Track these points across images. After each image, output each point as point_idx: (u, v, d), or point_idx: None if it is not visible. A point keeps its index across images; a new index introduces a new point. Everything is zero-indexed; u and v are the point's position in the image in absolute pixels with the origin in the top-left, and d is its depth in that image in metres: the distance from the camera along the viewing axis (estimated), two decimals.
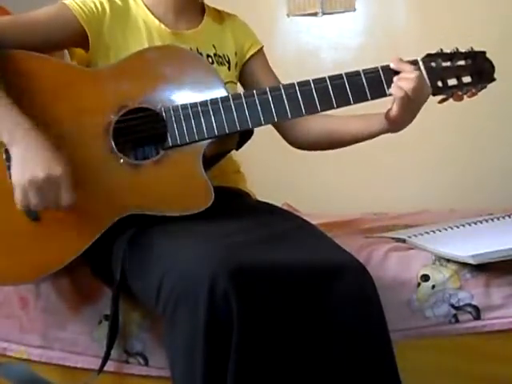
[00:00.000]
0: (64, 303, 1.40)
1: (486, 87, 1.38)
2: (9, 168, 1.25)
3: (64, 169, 1.20)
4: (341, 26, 2.81)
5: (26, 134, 1.21)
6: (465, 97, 1.38)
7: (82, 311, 1.40)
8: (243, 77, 1.58)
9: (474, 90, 1.37)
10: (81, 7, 1.39)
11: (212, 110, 1.31)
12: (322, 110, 1.34)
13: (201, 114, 1.31)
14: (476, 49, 1.38)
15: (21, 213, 1.26)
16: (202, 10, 1.56)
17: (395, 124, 1.37)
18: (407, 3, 2.77)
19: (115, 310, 1.29)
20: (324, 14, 2.81)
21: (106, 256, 1.31)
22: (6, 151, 1.27)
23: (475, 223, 1.63)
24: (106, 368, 1.32)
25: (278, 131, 1.60)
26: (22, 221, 1.27)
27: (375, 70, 1.34)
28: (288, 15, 2.86)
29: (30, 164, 1.19)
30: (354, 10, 2.79)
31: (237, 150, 1.47)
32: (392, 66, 1.34)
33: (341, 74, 1.33)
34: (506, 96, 2.49)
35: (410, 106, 1.32)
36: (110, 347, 1.31)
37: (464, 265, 1.41)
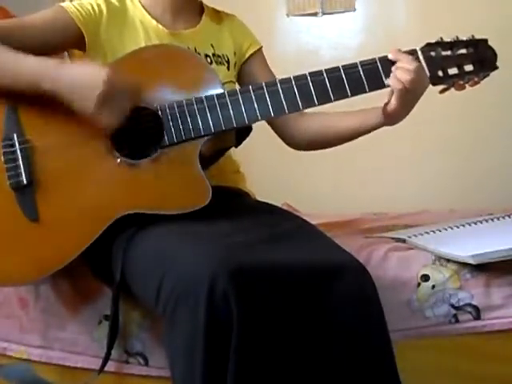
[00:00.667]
0: (64, 303, 1.40)
1: (488, 75, 1.36)
2: (10, 167, 1.26)
3: (107, 71, 1.23)
4: (341, 26, 2.81)
5: (56, 72, 1.25)
6: (467, 86, 1.37)
7: (82, 311, 1.40)
8: (242, 77, 1.58)
9: (476, 79, 1.35)
10: (78, 9, 1.40)
11: (208, 107, 1.31)
12: (319, 104, 1.33)
13: (197, 112, 1.31)
14: (477, 37, 1.37)
15: (19, 213, 1.26)
16: (201, 9, 1.56)
17: (392, 117, 1.36)
18: (407, 3, 2.77)
19: (115, 309, 1.29)
20: (324, 13, 2.81)
21: (106, 256, 1.31)
22: (5, 153, 1.27)
23: (475, 223, 1.63)
24: (106, 368, 1.32)
25: (276, 132, 1.60)
26: (21, 221, 1.27)
27: (373, 62, 1.33)
28: (288, 15, 2.86)
29: (85, 89, 1.23)
30: (354, 10, 2.79)
31: (236, 147, 1.47)
32: (390, 56, 1.33)
33: (338, 67, 1.33)
34: (507, 96, 2.49)
35: (408, 98, 1.31)
36: (110, 347, 1.31)
37: (464, 265, 1.41)
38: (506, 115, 2.62)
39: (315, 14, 2.82)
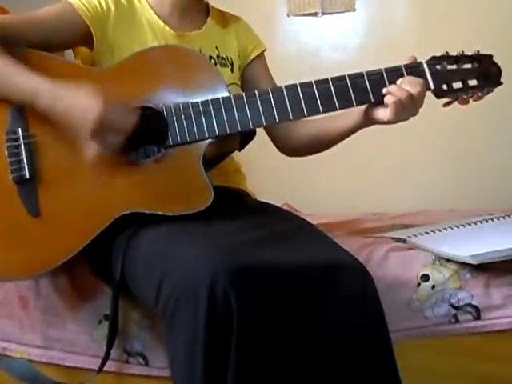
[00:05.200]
0: (64, 303, 1.40)
1: (492, 91, 1.37)
2: (13, 160, 1.27)
3: (101, 104, 1.21)
4: (341, 26, 2.81)
5: (52, 94, 1.24)
6: (470, 100, 1.37)
7: (82, 311, 1.40)
8: (244, 78, 1.58)
9: (479, 94, 1.36)
10: (85, 6, 1.39)
11: (213, 110, 1.31)
12: (324, 112, 1.33)
13: (202, 114, 1.31)
14: (482, 52, 1.37)
15: (21, 208, 1.26)
16: (207, 11, 1.56)
17: (373, 122, 1.36)
18: (407, 3, 2.77)
19: (115, 309, 1.29)
20: (324, 13, 2.81)
21: (106, 255, 1.32)
22: (9, 147, 1.28)
23: (475, 223, 1.63)
24: (106, 368, 1.32)
25: (273, 139, 1.60)
26: (22, 216, 1.27)
27: (378, 72, 1.34)
28: (288, 15, 2.86)
29: (81, 113, 1.21)
30: (354, 10, 2.78)
31: (239, 150, 1.47)
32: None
33: (344, 76, 1.33)
34: (507, 96, 2.49)
35: (402, 114, 1.31)
36: (109, 347, 1.31)
37: (464, 265, 1.41)
38: (506, 115, 2.62)
39: (315, 14, 2.82)
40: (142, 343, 1.38)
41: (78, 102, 1.23)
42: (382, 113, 1.33)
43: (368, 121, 1.38)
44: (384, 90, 1.32)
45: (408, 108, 1.30)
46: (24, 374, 1.36)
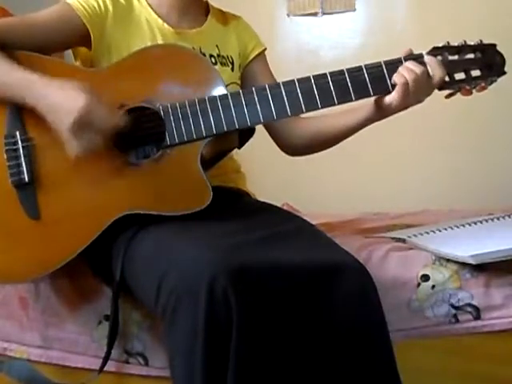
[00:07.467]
0: (64, 303, 1.40)
1: (496, 81, 1.36)
2: (12, 164, 1.27)
3: (85, 98, 1.21)
4: (341, 26, 2.82)
5: (40, 89, 1.24)
6: (474, 91, 1.36)
7: (82, 311, 1.40)
8: (244, 78, 1.57)
9: (483, 84, 1.35)
10: (84, 7, 1.39)
11: (210, 109, 1.31)
12: (322, 107, 1.32)
13: (199, 113, 1.31)
14: (485, 41, 1.36)
15: (21, 211, 1.27)
16: (206, 10, 1.56)
17: (385, 110, 1.35)
18: (407, 3, 2.77)
19: (115, 309, 1.29)
20: (324, 13, 2.81)
21: (107, 255, 1.32)
22: (7, 151, 1.28)
23: (475, 223, 1.63)
24: (106, 368, 1.32)
25: (273, 137, 1.59)
26: (22, 219, 1.27)
27: (377, 65, 1.33)
28: (288, 15, 2.86)
29: (63, 111, 1.21)
30: (354, 10, 2.79)
31: (239, 148, 1.47)
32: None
33: (342, 70, 1.32)
34: (507, 96, 2.49)
35: (408, 98, 1.31)
36: (110, 347, 1.31)
37: (464, 265, 1.41)
38: (507, 115, 2.62)
39: (315, 14, 2.82)
40: (142, 343, 1.38)
41: (64, 94, 1.23)
42: (389, 97, 1.32)
43: (379, 110, 1.36)
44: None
45: (418, 88, 1.30)
46: (25, 375, 1.36)
